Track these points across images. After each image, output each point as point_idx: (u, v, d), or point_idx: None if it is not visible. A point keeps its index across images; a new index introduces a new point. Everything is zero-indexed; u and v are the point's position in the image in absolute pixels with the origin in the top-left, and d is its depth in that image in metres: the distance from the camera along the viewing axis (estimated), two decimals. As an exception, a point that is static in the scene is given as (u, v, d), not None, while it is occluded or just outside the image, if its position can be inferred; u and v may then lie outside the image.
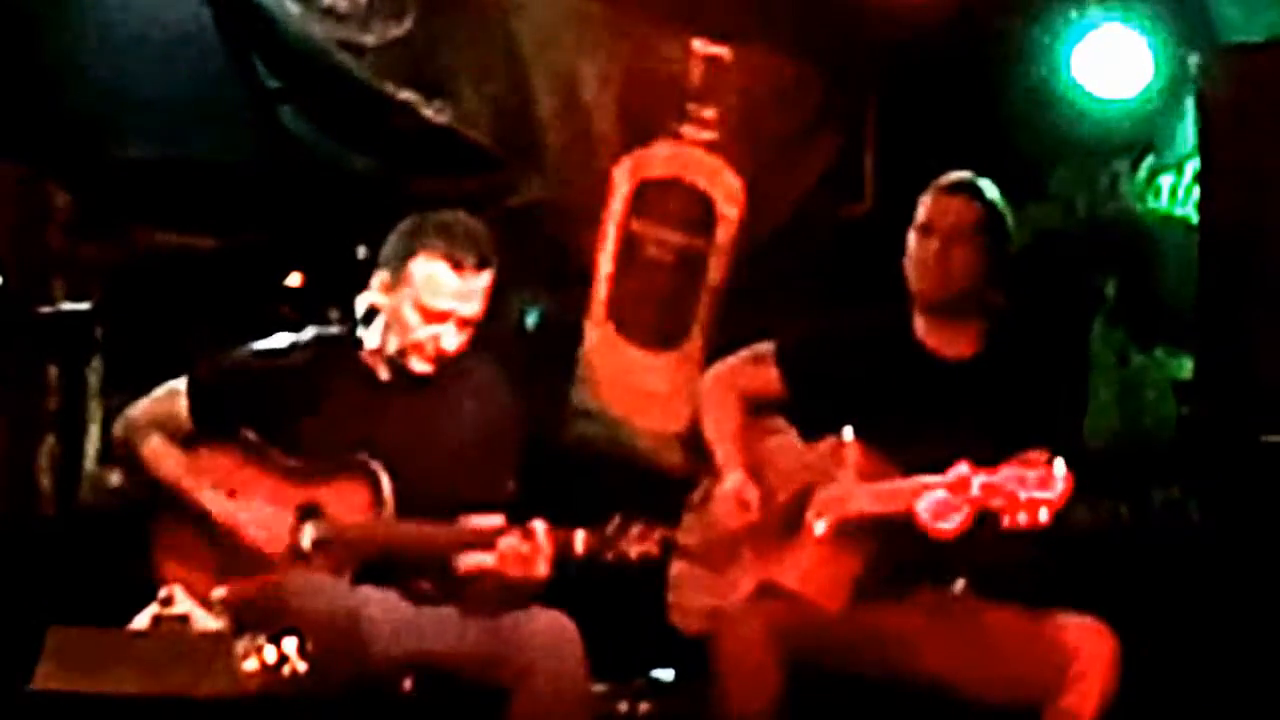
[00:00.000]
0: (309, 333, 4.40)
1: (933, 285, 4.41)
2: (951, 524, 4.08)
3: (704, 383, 4.72)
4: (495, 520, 4.25)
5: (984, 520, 4.06)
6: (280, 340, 4.38)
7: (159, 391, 4.39)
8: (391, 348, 4.29)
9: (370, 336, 4.33)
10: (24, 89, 4.95)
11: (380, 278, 4.30)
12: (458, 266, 4.23)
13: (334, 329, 4.41)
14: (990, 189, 4.46)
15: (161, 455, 4.32)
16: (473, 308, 4.27)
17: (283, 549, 4.22)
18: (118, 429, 4.43)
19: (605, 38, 5.52)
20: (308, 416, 4.28)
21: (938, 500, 4.09)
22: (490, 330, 4.51)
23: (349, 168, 5.24)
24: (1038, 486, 3.96)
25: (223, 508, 4.25)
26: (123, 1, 5.10)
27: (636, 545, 4.17)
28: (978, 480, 4.03)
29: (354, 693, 3.91)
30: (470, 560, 4.21)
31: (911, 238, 4.43)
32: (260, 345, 4.38)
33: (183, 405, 4.34)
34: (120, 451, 4.43)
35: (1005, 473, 4.00)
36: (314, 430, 4.28)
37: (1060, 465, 3.96)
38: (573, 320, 5.67)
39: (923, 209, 4.45)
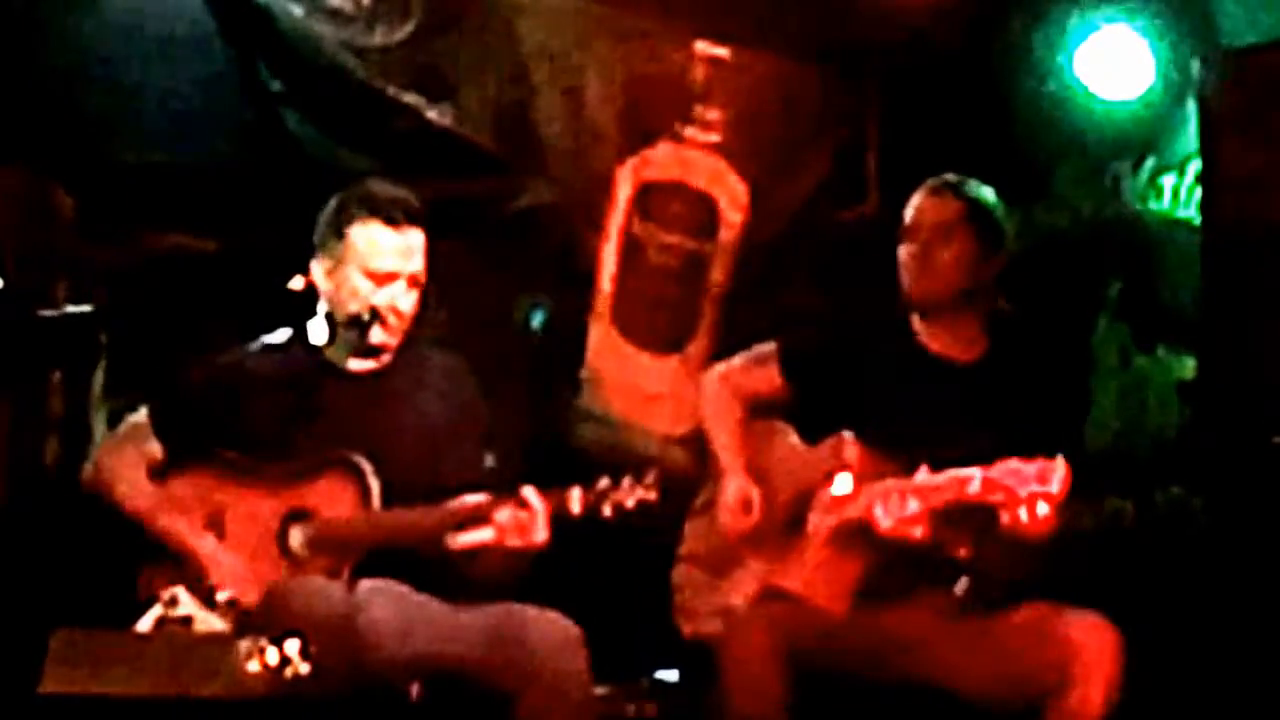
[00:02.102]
0: (267, 339, 4.37)
1: (916, 286, 4.42)
2: (916, 533, 4.10)
3: (706, 383, 4.71)
4: (481, 498, 4.27)
5: (986, 524, 4.06)
6: (239, 352, 4.34)
7: (122, 429, 4.39)
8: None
9: (323, 332, 4.31)
10: (28, 92, 4.96)
11: (322, 264, 4.31)
12: (392, 223, 4.27)
13: (288, 331, 4.39)
14: (976, 188, 4.46)
15: (134, 496, 4.28)
16: (416, 264, 4.29)
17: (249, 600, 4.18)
18: (87, 475, 4.39)
19: (608, 40, 5.53)
20: (280, 422, 4.25)
21: (897, 510, 4.11)
22: (494, 334, 4.53)
23: (351, 170, 5.24)
24: (1037, 480, 3.96)
25: (201, 551, 4.22)
26: (126, 5, 5.10)
27: (631, 494, 4.15)
28: (977, 475, 4.03)
29: (358, 695, 3.91)
30: (466, 538, 4.20)
31: (901, 244, 4.44)
32: (219, 360, 4.34)
33: (149, 435, 4.31)
34: (93, 493, 4.41)
35: (1004, 468, 4.01)
36: (289, 434, 4.26)
37: (1060, 461, 3.96)
38: (577, 323, 5.67)
39: (908, 211, 4.46)
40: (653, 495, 4.15)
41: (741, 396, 4.60)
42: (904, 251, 4.44)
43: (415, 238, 4.30)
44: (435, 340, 4.50)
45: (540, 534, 4.14)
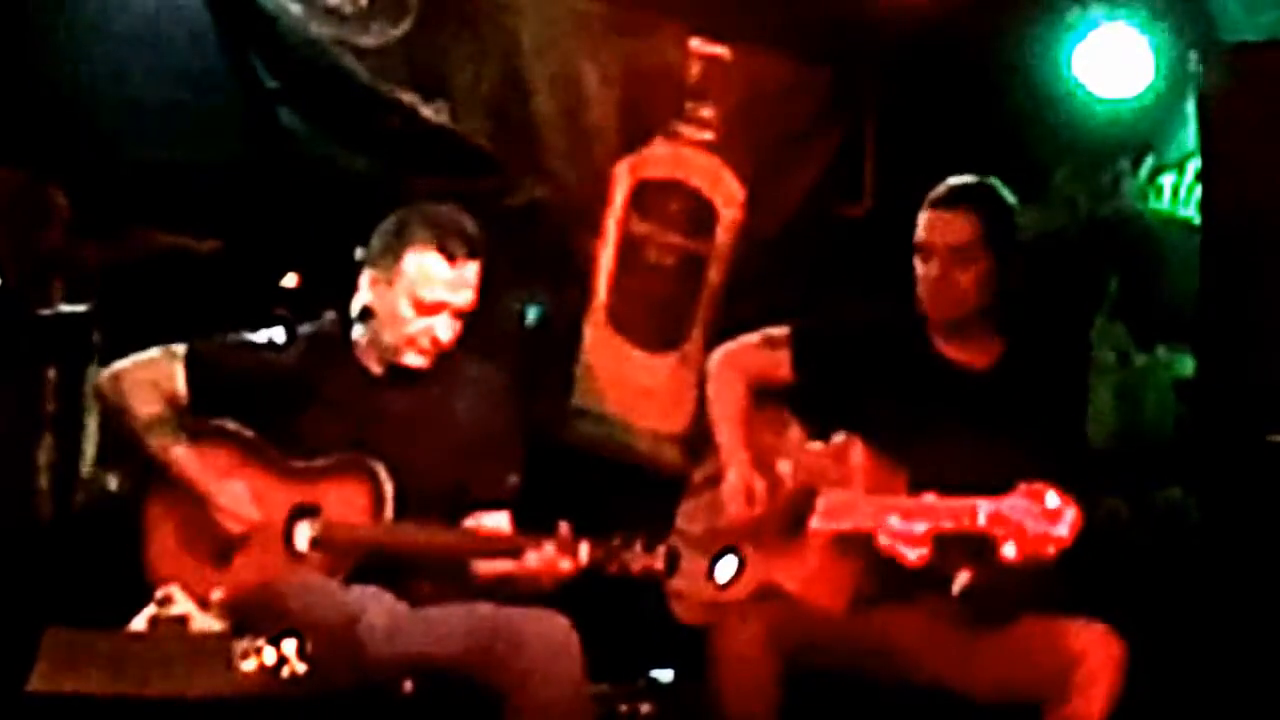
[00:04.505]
0: (303, 330, 4.40)
1: (939, 308, 4.35)
2: (912, 555, 4.08)
3: (713, 361, 4.64)
4: (502, 519, 4.28)
5: (986, 549, 4.03)
6: (276, 336, 4.37)
7: (151, 353, 4.36)
8: (385, 343, 4.30)
9: (363, 334, 4.33)
10: (23, 92, 4.95)
11: (370, 274, 4.32)
12: (450, 257, 4.26)
13: (326, 326, 4.41)
14: (988, 196, 4.39)
15: (154, 426, 4.29)
16: (465, 298, 4.29)
17: (244, 530, 4.21)
18: (105, 383, 4.39)
19: (604, 37, 5.52)
20: (304, 414, 4.29)
21: (899, 529, 4.08)
22: (490, 330, 4.51)
23: (347, 168, 5.24)
24: (1047, 521, 3.93)
25: (203, 477, 4.25)
26: (123, 3, 5.10)
27: (641, 561, 4.17)
28: (985, 507, 3.99)
29: (352, 695, 3.90)
30: (490, 567, 4.23)
31: (916, 258, 4.37)
32: (257, 338, 4.38)
33: (178, 372, 4.31)
34: (107, 406, 4.42)
35: (1013, 503, 3.96)
36: (311, 428, 4.28)
37: (1072, 509, 3.93)
38: (572, 321, 5.66)
39: (920, 228, 4.37)
40: (659, 565, 4.17)
41: (748, 378, 4.53)
42: (921, 269, 4.35)
43: (470, 271, 4.29)
44: (475, 350, 4.47)
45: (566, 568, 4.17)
